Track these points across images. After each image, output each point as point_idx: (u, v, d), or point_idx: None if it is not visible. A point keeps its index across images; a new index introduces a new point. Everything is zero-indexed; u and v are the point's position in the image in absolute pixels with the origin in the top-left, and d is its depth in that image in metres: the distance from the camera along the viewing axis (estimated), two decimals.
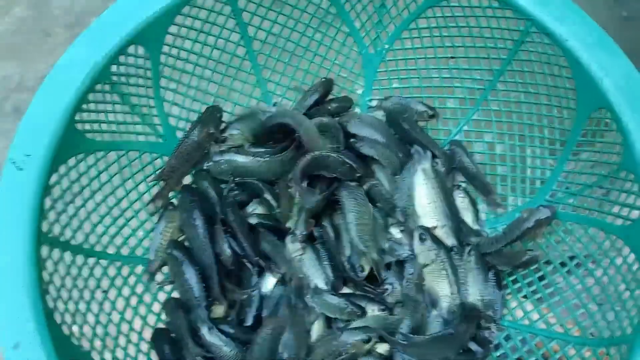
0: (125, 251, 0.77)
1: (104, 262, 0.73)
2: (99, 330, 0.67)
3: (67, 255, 0.66)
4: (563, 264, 0.78)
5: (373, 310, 0.78)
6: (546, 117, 0.83)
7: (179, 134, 0.86)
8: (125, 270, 0.76)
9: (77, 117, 0.68)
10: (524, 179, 0.87)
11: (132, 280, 0.77)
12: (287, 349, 0.73)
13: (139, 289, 0.77)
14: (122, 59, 0.73)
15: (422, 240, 0.79)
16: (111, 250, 0.75)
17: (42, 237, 0.62)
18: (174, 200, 0.83)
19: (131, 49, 0.74)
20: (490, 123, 0.90)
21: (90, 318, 0.67)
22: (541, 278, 0.80)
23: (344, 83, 0.95)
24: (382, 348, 0.77)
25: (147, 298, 0.78)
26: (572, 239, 0.78)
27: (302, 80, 0.94)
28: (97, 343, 0.66)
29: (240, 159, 0.85)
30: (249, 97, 0.92)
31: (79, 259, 0.69)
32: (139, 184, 0.81)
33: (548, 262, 0.80)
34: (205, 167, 0.85)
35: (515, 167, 0.88)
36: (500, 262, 0.81)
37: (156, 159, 0.83)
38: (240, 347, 0.73)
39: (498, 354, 0.76)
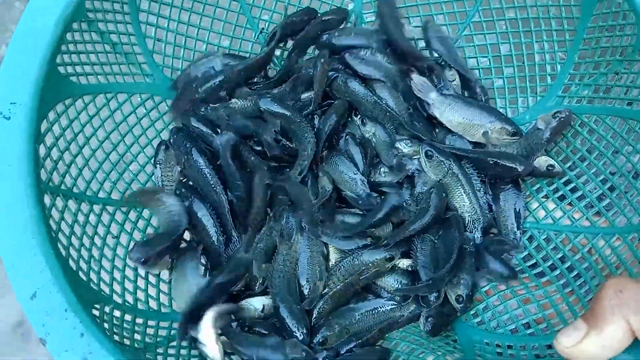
0: None
1: (110, 208, 0.70)
2: (117, 274, 0.65)
3: (72, 203, 0.64)
4: (582, 159, 0.75)
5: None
6: (552, 7, 0.78)
7: (167, 72, 0.82)
8: (132, 215, 0.73)
9: (58, 60, 0.64)
10: (533, 77, 0.83)
11: (141, 224, 0.74)
12: (304, 274, 0.71)
13: (150, 231, 0.75)
14: None
15: (428, 156, 0.77)
16: (115, 196, 0.72)
17: (42, 186, 0.59)
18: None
19: None
20: (492, 23, 0.85)
21: (106, 264, 0.65)
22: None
23: None
24: (404, 264, 0.75)
25: None
26: (589, 131, 0.75)
27: (287, 1, 0.88)
28: (117, 287, 0.64)
29: (239, 102, 0.81)
30: (233, 25, 0.87)
31: (84, 207, 0.66)
32: (133, 127, 0.77)
33: (566, 159, 0.77)
34: (202, 112, 0.81)
35: (522, 67, 0.84)
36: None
37: (147, 100, 0.79)
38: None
39: (522, 255, 0.75)
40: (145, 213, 0.75)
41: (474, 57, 0.88)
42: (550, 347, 0.62)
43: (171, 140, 0.79)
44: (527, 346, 0.64)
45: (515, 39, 0.83)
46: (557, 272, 0.70)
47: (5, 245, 0.54)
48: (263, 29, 0.88)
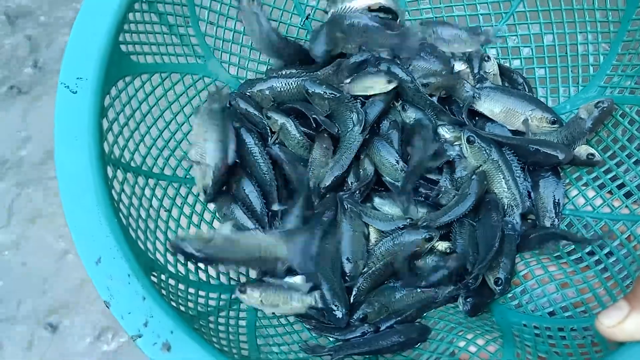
0: (180, 172, 0.78)
1: (163, 183, 0.73)
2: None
3: (130, 176, 0.67)
4: (623, 148, 0.76)
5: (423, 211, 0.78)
6: None
7: (217, 55, 0.85)
8: (183, 190, 0.77)
9: (120, 38, 0.67)
10: (575, 67, 0.84)
11: (190, 199, 0.78)
12: (346, 253, 0.74)
13: (198, 207, 0.78)
14: None
15: (470, 142, 0.78)
16: (168, 172, 0.75)
17: (106, 158, 0.62)
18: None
19: None
20: (536, 13, 0.86)
21: (160, 235, 0.68)
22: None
23: None
24: (443, 245, 0.77)
25: (207, 216, 0.79)
26: (630, 121, 0.75)
27: None
28: (170, 258, 0.67)
29: (281, 83, 0.84)
30: (281, 10, 0.89)
31: (141, 180, 0.69)
32: (185, 106, 0.80)
33: (607, 148, 0.78)
34: (247, 93, 0.84)
35: (565, 57, 0.85)
36: None
37: (197, 81, 0.82)
38: None
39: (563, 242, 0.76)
40: (194, 189, 0.78)
41: (517, 47, 0.89)
42: (587, 329, 0.64)
43: None
44: (566, 328, 0.66)
45: (559, 30, 0.84)
46: (596, 257, 0.71)
47: (73, 213, 0.58)
48: (309, 14, 0.90)
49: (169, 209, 0.72)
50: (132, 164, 0.69)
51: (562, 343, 0.63)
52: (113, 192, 0.62)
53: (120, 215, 0.61)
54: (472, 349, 0.66)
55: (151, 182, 0.71)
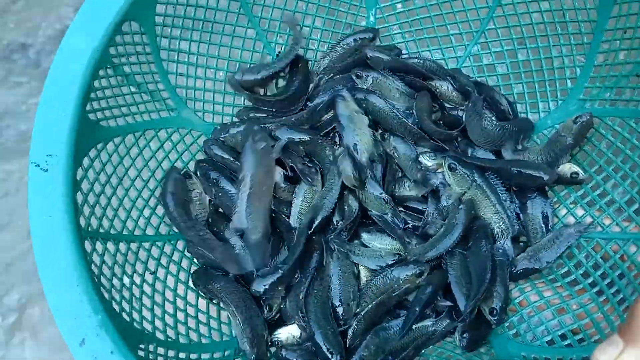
0: (163, 230, 0.77)
1: (146, 244, 0.72)
2: (158, 310, 0.68)
3: (110, 245, 0.66)
4: (609, 162, 0.74)
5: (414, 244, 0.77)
6: (568, 11, 0.78)
7: (190, 104, 0.84)
8: (167, 248, 0.76)
9: (88, 108, 0.67)
10: (553, 81, 0.83)
11: (176, 256, 0.77)
12: (337, 296, 0.73)
13: (185, 263, 0.77)
14: (118, 39, 0.71)
15: (452, 169, 0.77)
16: (150, 232, 0.75)
17: (83, 232, 0.62)
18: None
19: (125, 27, 0.71)
20: (508, 29, 0.85)
21: (146, 301, 0.68)
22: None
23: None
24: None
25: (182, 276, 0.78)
26: (614, 133, 0.74)
27: (302, 22, 0.89)
28: (159, 323, 0.66)
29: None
30: (251, 52, 0.88)
31: (122, 247, 0.69)
32: (162, 161, 0.79)
33: (592, 162, 0.77)
34: (221, 138, 0.84)
35: (541, 71, 0.84)
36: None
37: (172, 133, 0.82)
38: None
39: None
40: (180, 245, 0.78)
41: (491, 64, 0.87)
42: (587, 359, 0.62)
43: (198, 172, 0.81)
44: (565, 358, 0.64)
45: (532, 44, 0.83)
46: (590, 279, 0.70)
47: (53, 296, 0.57)
48: (279, 52, 0.89)
49: (154, 270, 0.72)
50: (112, 231, 0.68)
51: None
52: (93, 266, 0.61)
53: (102, 289, 0.60)
54: None
55: (134, 246, 0.70)
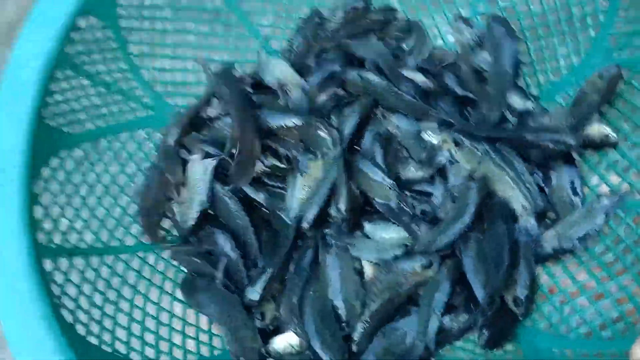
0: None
1: (124, 256, 0.67)
2: (135, 328, 0.62)
3: (79, 262, 0.61)
4: None
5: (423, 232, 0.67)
6: None
7: (170, 100, 0.78)
8: (151, 259, 0.70)
9: (45, 114, 0.61)
10: (572, 32, 0.71)
11: (161, 265, 0.71)
12: (339, 296, 0.65)
13: (171, 272, 0.71)
14: (75, 36, 0.65)
15: (458, 144, 0.67)
16: (130, 242, 0.69)
17: (42, 251, 0.56)
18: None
19: (82, 23, 0.66)
20: None
21: (123, 318, 0.62)
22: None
23: None
24: None
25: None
26: None
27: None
28: (135, 342, 0.61)
29: None
30: (233, 38, 0.81)
31: (94, 261, 0.63)
32: (143, 164, 0.74)
33: (626, 121, 0.65)
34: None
35: (558, 22, 0.72)
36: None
37: (152, 134, 0.76)
38: None
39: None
40: (165, 254, 0.72)
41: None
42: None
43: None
44: (604, 355, 0.54)
45: None
46: (631, 257, 0.59)
47: (9, 322, 0.52)
48: (267, 35, 0.82)
49: (133, 284, 0.66)
50: (82, 245, 0.63)
51: None
52: (54, 286, 0.56)
53: (64, 312, 0.55)
54: None
55: (109, 259, 0.65)
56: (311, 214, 0.69)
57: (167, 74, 0.78)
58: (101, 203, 0.67)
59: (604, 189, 0.64)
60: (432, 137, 0.71)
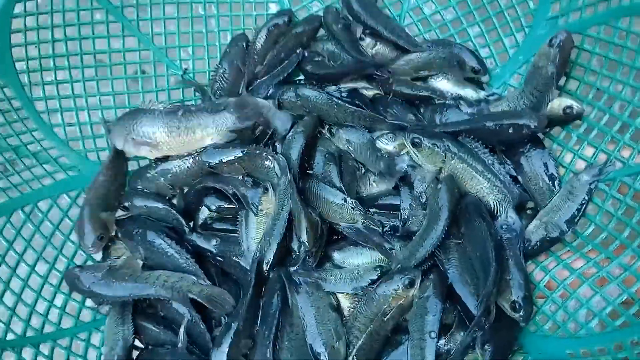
0: (86, 316, 0.61)
1: (63, 341, 0.57)
2: None
3: (7, 356, 0.51)
4: (607, 79, 0.58)
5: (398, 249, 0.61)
6: None
7: (93, 157, 0.69)
8: (95, 337, 0.60)
9: None
10: (511, 8, 0.67)
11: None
12: (317, 339, 0.56)
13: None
14: None
15: (416, 145, 0.61)
16: (68, 323, 0.59)
17: None
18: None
19: None
20: None
21: None
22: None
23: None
24: None
25: None
26: (603, 45, 0.58)
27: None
28: None
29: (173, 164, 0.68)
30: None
31: (27, 353, 0.53)
32: (70, 233, 0.64)
33: (587, 88, 0.60)
34: (139, 187, 0.69)
35: (495, 2, 0.68)
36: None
37: (78, 197, 0.67)
38: None
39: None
40: None
41: (436, 12, 0.72)
42: None
43: (119, 234, 0.66)
44: (624, 343, 0.47)
45: None
46: (627, 231, 0.53)
47: None
48: (187, 69, 0.75)
49: None
50: (8, 337, 0.53)
51: None
52: None
53: None
54: None
55: (45, 348, 0.55)
56: (270, 253, 0.61)
57: (86, 127, 0.69)
58: (27, 284, 0.58)
59: (581, 164, 0.59)
60: (387, 144, 0.64)
